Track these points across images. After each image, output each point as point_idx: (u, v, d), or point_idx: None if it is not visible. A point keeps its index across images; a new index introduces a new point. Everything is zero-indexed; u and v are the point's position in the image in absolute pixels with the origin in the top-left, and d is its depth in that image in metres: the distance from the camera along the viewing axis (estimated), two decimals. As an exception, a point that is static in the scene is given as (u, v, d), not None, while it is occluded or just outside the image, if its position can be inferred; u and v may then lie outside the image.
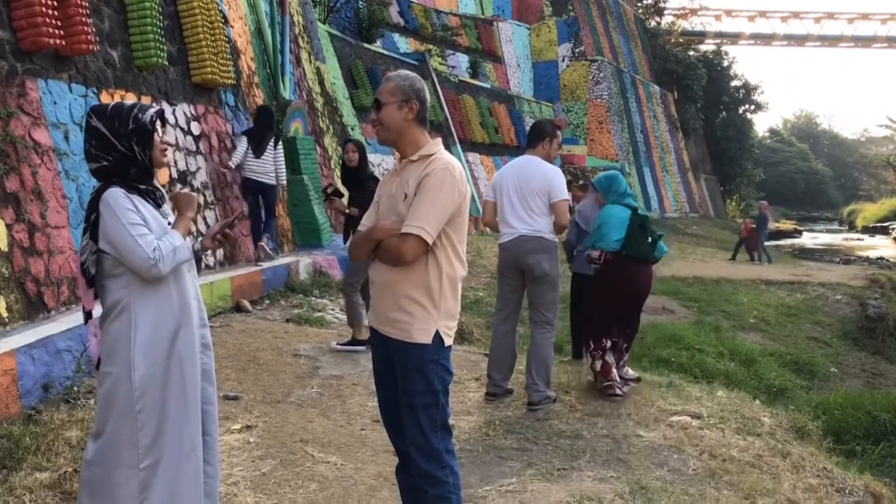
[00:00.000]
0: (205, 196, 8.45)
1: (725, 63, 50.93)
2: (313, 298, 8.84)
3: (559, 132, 5.45)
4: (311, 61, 14.12)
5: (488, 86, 26.96)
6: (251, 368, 5.89)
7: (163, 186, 7.47)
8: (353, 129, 15.60)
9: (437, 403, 2.82)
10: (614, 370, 5.55)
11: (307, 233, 11.07)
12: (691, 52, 47.72)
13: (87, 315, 2.85)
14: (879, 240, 43.20)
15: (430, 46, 25.51)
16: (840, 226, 61.60)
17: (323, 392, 5.46)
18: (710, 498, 3.87)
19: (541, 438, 4.65)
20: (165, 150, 2.86)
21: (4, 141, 5.34)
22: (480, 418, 5.01)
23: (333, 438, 4.52)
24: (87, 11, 6.34)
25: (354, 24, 21.63)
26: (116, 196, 2.68)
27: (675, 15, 51.24)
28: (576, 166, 31.21)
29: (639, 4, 47.32)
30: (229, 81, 9.25)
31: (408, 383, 2.81)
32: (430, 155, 2.83)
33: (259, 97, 10.85)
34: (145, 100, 7.51)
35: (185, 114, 8.40)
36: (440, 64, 24.62)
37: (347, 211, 6.57)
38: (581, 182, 25.78)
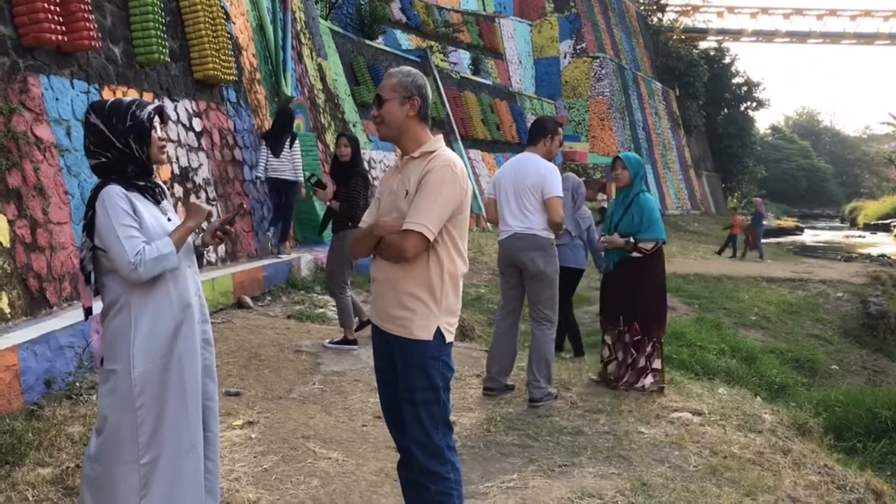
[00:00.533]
0: (206, 192, 8.45)
1: (727, 60, 50.83)
2: (315, 295, 8.85)
3: (561, 129, 5.45)
4: (312, 58, 14.11)
5: (490, 82, 26.94)
6: (253, 365, 5.90)
7: (164, 182, 7.49)
8: (354, 125, 15.59)
9: (438, 400, 2.82)
10: None
11: (308, 229, 11.08)
12: (693, 49, 47.61)
13: (87, 311, 2.85)
14: (881, 237, 43.12)
15: (432, 43, 25.49)
16: (842, 223, 61.48)
17: (324, 388, 5.47)
18: (711, 494, 3.88)
19: (542, 435, 4.66)
20: (163, 147, 2.84)
21: (7, 137, 5.35)
22: (482, 415, 5.01)
23: (335, 434, 4.53)
24: (89, 7, 6.34)
25: (356, 21, 21.61)
26: (111, 194, 2.67)
27: (677, 11, 51.14)
28: (577, 163, 31.20)
29: (641, 1, 47.23)
30: (231, 78, 9.26)
31: (409, 380, 2.81)
32: (432, 152, 2.83)
33: (261, 93, 10.85)
34: (147, 96, 7.52)
35: (186, 110, 8.40)
36: (442, 60, 24.59)
37: (328, 203, 6.51)
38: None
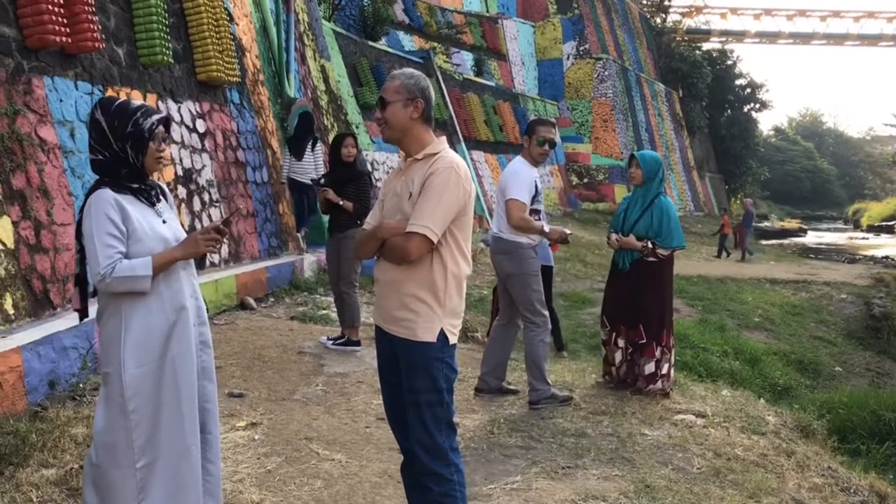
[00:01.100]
0: (209, 194, 8.46)
1: (730, 61, 50.78)
2: (318, 296, 8.86)
3: (540, 128, 5.29)
4: (315, 59, 14.13)
5: (493, 84, 26.93)
6: (256, 366, 5.90)
7: (168, 184, 7.50)
8: (357, 126, 15.60)
9: (441, 401, 2.82)
10: None
11: (312, 231, 11.08)
12: (696, 51, 47.58)
13: (81, 314, 2.85)
14: (885, 239, 43.05)
15: (435, 44, 25.49)
16: (845, 225, 61.39)
17: (328, 390, 5.47)
18: (715, 497, 3.87)
19: (545, 437, 4.65)
20: (160, 158, 2.80)
21: (11, 138, 5.36)
22: (485, 416, 5.01)
23: (338, 436, 4.53)
24: (93, 9, 6.35)
25: (359, 22, 21.63)
26: (100, 200, 2.65)
27: (680, 13, 51.12)
28: (580, 164, 31.19)
29: (644, 2, 47.20)
30: (234, 79, 9.27)
31: (413, 381, 2.81)
32: (435, 153, 2.83)
33: (264, 95, 10.87)
34: (150, 98, 7.53)
35: (190, 111, 8.41)
36: (445, 62, 24.59)
37: (341, 203, 6.43)
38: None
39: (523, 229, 5.16)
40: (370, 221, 2.99)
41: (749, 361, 9.18)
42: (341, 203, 6.41)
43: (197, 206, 8.05)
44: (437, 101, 19.95)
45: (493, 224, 5.40)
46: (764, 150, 62.39)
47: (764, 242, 34.28)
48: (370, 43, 19.30)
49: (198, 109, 8.63)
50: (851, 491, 4.29)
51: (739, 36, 53.34)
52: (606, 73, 32.47)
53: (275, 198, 10.40)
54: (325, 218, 6.99)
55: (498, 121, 24.95)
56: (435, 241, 2.74)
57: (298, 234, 10.36)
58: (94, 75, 6.63)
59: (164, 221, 2.82)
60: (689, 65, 43.71)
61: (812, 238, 43.49)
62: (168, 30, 7.74)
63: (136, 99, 7.03)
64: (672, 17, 50.31)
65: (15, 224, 5.17)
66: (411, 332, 2.79)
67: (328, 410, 5.01)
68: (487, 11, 32.47)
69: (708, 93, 44.77)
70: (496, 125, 24.69)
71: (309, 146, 9.85)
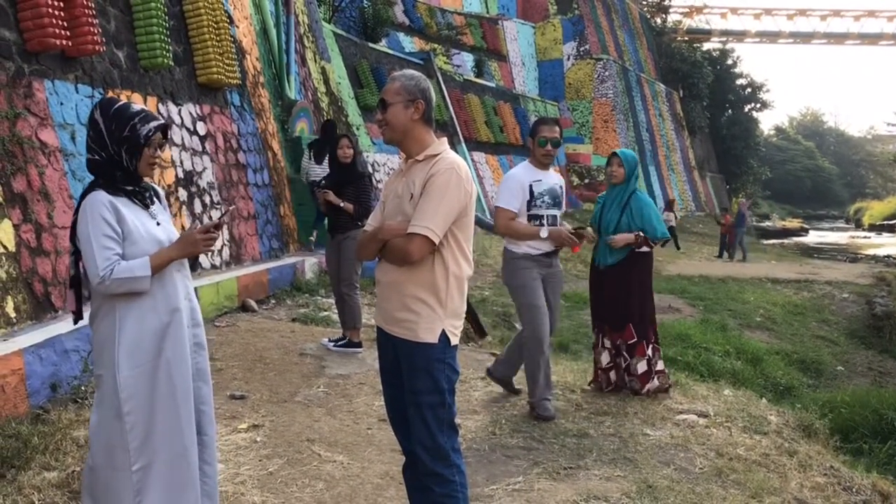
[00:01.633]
0: (210, 196, 8.47)
1: (731, 61, 50.80)
2: (319, 298, 8.86)
3: (541, 128, 5.04)
4: (316, 61, 14.14)
5: (493, 85, 26.95)
6: (258, 368, 5.90)
7: (168, 186, 7.50)
8: (357, 128, 15.61)
9: (443, 402, 2.82)
10: None
11: (312, 233, 11.09)
12: (697, 51, 47.58)
13: (76, 315, 2.84)
14: (886, 238, 43.02)
15: (435, 45, 25.51)
16: (847, 224, 61.38)
17: (329, 391, 5.47)
18: (717, 496, 3.87)
19: (547, 437, 4.65)
20: (154, 164, 2.79)
21: (11, 141, 5.36)
22: (486, 417, 5.01)
23: (340, 437, 4.52)
24: (94, 12, 6.36)
25: (359, 24, 21.64)
26: (95, 202, 2.64)
27: (680, 13, 51.13)
28: (581, 165, 31.19)
29: (644, 2, 47.21)
30: (235, 81, 9.28)
31: (414, 382, 2.81)
32: (436, 155, 2.83)
33: (264, 97, 10.88)
34: (151, 100, 7.54)
35: (190, 114, 8.42)
36: (445, 63, 24.61)
37: (342, 204, 6.42)
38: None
39: (512, 236, 5.04)
40: (371, 223, 2.99)
41: (751, 361, 9.17)
42: (341, 204, 6.41)
43: (198, 208, 8.06)
44: (438, 102, 19.95)
45: None
46: (765, 150, 62.41)
47: (765, 242, 34.29)
48: (370, 44, 19.32)
49: (198, 112, 8.63)
50: (854, 490, 4.29)
51: (740, 36, 53.34)
52: (607, 73, 32.48)
53: (276, 200, 10.41)
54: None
55: (498, 122, 24.97)
56: (436, 242, 2.74)
57: (311, 238, 10.73)
58: (95, 78, 6.64)
59: (157, 223, 2.81)
60: (690, 65, 43.72)
61: (813, 237, 43.49)
62: (168, 32, 7.74)
63: (137, 102, 7.03)
64: (672, 17, 50.36)
65: (16, 227, 5.17)
66: (413, 333, 2.79)
67: (330, 412, 5.01)
68: (487, 12, 32.48)
69: (708, 93, 44.79)
70: (497, 126, 24.70)
71: (328, 152, 10.00)
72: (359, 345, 6.53)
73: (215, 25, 8.84)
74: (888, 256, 27.86)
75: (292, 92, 11.65)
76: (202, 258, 7.50)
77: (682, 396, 5.65)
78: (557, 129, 5.10)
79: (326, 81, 14.61)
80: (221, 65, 8.81)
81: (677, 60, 44.17)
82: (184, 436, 2.75)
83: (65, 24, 5.97)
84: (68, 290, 2.78)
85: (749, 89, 51.39)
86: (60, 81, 6.15)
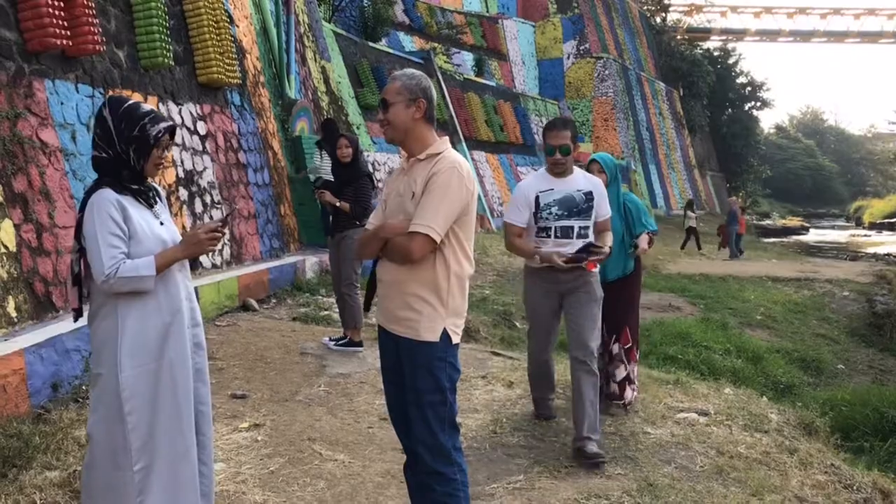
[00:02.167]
0: (211, 195, 8.47)
1: (731, 60, 50.80)
2: (320, 297, 8.86)
3: (546, 135, 4.60)
4: (316, 60, 14.14)
5: (493, 84, 26.94)
6: (259, 367, 5.91)
7: (169, 186, 7.50)
8: (358, 127, 15.61)
9: (444, 401, 2.82)
10: None
11: (313, 232, 11.09)
12: (697, 49, 47.59)
13: (77, 313, 2.84)
14: (886, 236, 43.00)
15: (436, 45, 25.52)
16: (847, 222, 61.36)
17: (330, 390, 5.47)
18: (718, 495, 3.87)
19: (548, 436, 4.66)
20: (160, 164, 2.80)
21: (12, 141, 5.37)
22: (487, 416, 5.01)
23: (341, 436, 4.53)
24: (94, 12, 6.36)
25: (359, 23, 21.64)
26: (102, 200, 2.65)
27: (680, 11, 51.13)
28: (581, 164, 31.14)
29: (643, 1, 47.20)
30: (235, 81, 9.28)
31: (416, 381, 2.81)
32: (438, 153, 2.83)
33: (265, 96, 10.88)
34: (151, 100, 7.54)
35: (191, 113, 8.42)
36: (445, 62, 24.60)
37: (338, 204, 6.42)
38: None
39: (515, 254, 4.86)
40: (373, 222, 2.99)
41: (751, 359, 9.16)
42: (339, 204, 6.43)
43: (198, 207, 8.06)
44: (438, 101, 19.93)
45: None
46: (765, 148, 62.40)
47: (766, 240, 34.27)
48: (370, 44, 19.31)
49: (199, 111, 8.63)
50: (854, 488, 4.29)
51: (740, 34, 53.37)
52: (607, 72, 32.48)
53: (276, 199, 10.41)
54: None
55: (499, 121, 24.96)
56: (438, 240, 2.74)
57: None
58: (95, 78, 6.64)
59: (161, 223, 2.82)
60: (690, 63, 43.73)
61: (814, 236, 43.48)
62: (168, 32, 7.75)
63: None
64: (672, 16, 50.38)
65: (17, 227, 5.18)
66: (414, 331, 2.80)
67: (331, 411, 5.02)
68: (487, 11, 32.50)
69: (708, 91, 44.82)
70: (497, 125, 24.70)
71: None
72: (359, 344, 6.53)
73: (215, 25, 8.84)
74: (888, 254, 27.85)
75: (292, 91, 11.65)
76: (203, 257, 7.52)
77: (682, 395, 5.65)
78: (567, 132, 4.53)
79: (326, 81, 14.61)
80: (222, 64, 8.81)
81: (677, 59, 44.18)
82: (185, 436, 2.76)
83: (65, 23, 5.97)
84: (71, 287, 2.78)
85: (749, 88, 51.41)
86: (61, 81, 6.16)
